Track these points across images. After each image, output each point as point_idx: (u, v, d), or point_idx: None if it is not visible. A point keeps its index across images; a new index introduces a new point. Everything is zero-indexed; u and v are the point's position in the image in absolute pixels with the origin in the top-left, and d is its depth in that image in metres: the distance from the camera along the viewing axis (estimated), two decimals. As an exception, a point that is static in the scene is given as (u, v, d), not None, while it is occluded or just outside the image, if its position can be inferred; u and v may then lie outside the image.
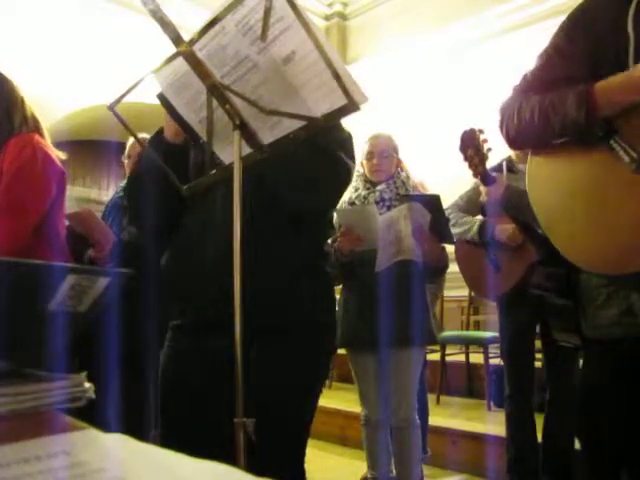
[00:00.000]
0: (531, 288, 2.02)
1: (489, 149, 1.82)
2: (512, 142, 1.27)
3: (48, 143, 1.77)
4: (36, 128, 1.76)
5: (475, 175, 1.84)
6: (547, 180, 1.17)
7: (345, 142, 1.31)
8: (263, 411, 1.02)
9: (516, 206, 1.79)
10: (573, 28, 1.17)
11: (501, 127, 1.26)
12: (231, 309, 0.98)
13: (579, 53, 1.13)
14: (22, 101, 1.75)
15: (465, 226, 2.27)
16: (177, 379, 1.27)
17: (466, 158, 1.82)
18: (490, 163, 1.99)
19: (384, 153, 2.27)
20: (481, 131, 1.82)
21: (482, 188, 1.89)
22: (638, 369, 1.11)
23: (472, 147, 1.80)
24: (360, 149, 2.33)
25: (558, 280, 1.36)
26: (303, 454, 1.29)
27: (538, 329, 2.18)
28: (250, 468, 0.97)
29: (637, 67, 1.03)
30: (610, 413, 1.16)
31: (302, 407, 1.26)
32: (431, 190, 2.65)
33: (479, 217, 2.38)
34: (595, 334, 1.16)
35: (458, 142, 1.82)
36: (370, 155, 2.28)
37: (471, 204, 2.37)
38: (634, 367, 1.11)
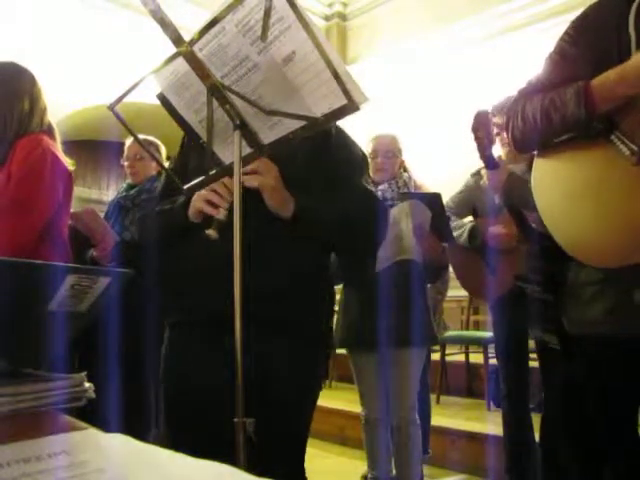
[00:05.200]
0: (518, 281, 2.01)
1: (497, 133, 1.83)
2: (518, 144, 1.28)
3: (58, 147, 1.80)
4: (48, 132, 1.78)
5: (481, 157, 1.84)
6: (551, 180, 1.18)
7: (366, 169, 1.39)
8: (263, 410, 1.02)
9: (518, 193, 1.79)
10: (577, 31, 1.18)
11: (507, 130, 1.27)
12: (230, 307, 0.99)
13: (583, 55, 1.14)
14: (45, 108, 1.80)
15: (456, 231, 2.27)
16: (178, 378, 1.27)
17: (477, 138, 1.82)
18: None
19: (388, 153, 2.27)
20: (493, 114, 1.82)
21: (484, 172, 1.90)
22: (620, 367, 1.11)
23: (484, 129, 1.80)
24: (363, 148, 2.33)
25: (545, 274, 1.36)
26: (303, 453, 1.29)
27: None
28: (250, 467, 0.98)
29: (629, 61, 1.04)
30: (592, 411, 1.16)
31: (301, 406, 1.26)
32: (432, 190, 2.65)
33: (470, 219, 2.37)
34: (579, 331, 1.16)
35: (471, 121, 1.82)
36: (374, 154, 2.27)
37: (462, 206, 2.36)
38: (616, 364, 1.11)
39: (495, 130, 2.23)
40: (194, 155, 1.32)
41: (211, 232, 1.10)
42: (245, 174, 1.12)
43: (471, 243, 2.18)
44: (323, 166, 1.24)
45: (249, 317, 0.99)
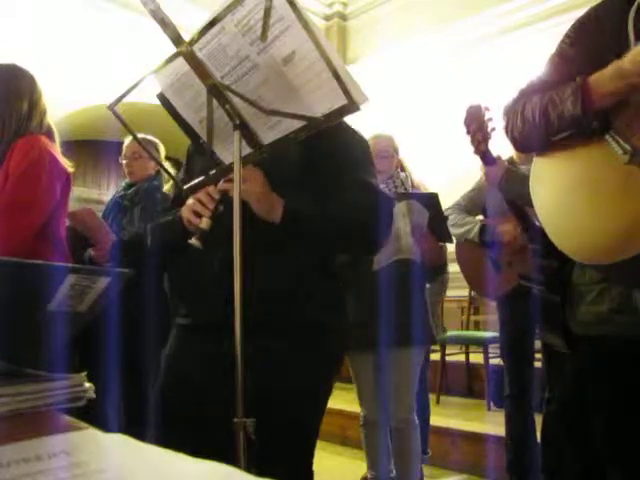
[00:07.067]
0: (522, 280, 1.99)
1: (493, 128, 1.77)
2: (518, 145, 1.28)
3: (57, 149, 1.80)
4: (48, 134, 1.78)
5: (476, 152, 1.79)
6: (547, 176, 1.19)
7: (372, 163, 1.33)
8: (265, 413, 1.01)
9: (515, 188, 1.77)
10: (577, 32, 1.19)
11: (507, 131, 1.27)
12: (230, 313, 0.99)
13: (582, 56, 1.15)
14: (45, 110, 1.81)
15: (466, 227, 2.27)
16: (178, 379, 1.27)
17: (469, 132, 1.77)
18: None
19: (382, 153, 2.26)
20: (487, 109, 1.78)
21: (482, 168, 1.88)
22: (625, 368, 1.11)
23: (476, 122, 1.75)
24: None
25: (550, 274, 1.35)
26: (311, 456, 1.28)
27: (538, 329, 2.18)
28: (252, 469, 0.98)
29: (626, 55, 1.04)
30: (596, 412, 1.16)
31: (305, 409, 1.23)
32: (431, 190, 2.65)
33: (480, 217, 2.38)
34: (583, 331, 1.16)
35: (463, 115, 1.76)
36: None
37: (472, 204, 2.37)
38: (620, 366, 1.11)
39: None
40: (198, 159, 1.32)
41: (194, 241, 1.11)
42: (229, 182, 1.11)
43: (481, 238, 2.19)
44: (318, 161, 1.20)
45: (248, 322, 0.99)
